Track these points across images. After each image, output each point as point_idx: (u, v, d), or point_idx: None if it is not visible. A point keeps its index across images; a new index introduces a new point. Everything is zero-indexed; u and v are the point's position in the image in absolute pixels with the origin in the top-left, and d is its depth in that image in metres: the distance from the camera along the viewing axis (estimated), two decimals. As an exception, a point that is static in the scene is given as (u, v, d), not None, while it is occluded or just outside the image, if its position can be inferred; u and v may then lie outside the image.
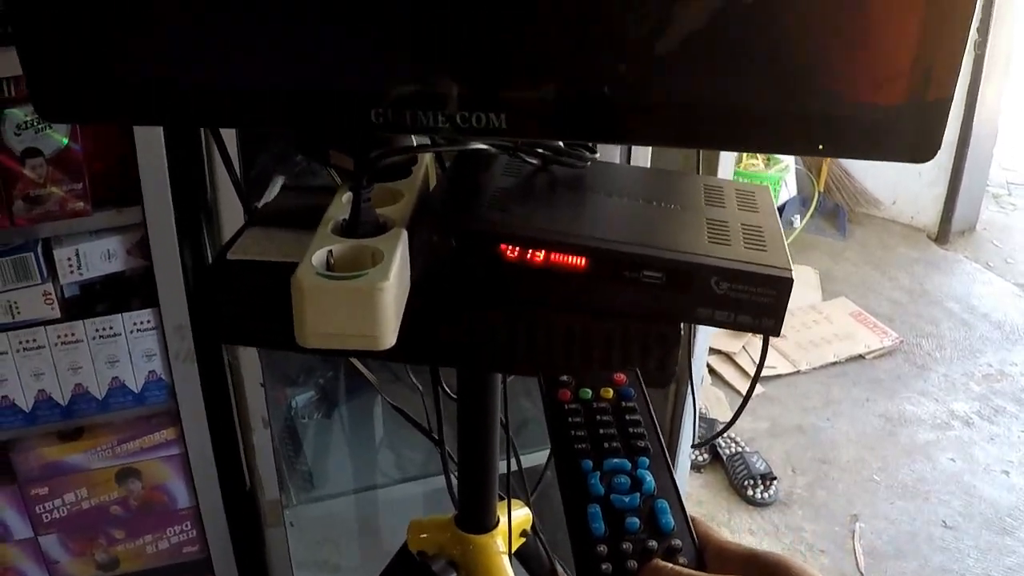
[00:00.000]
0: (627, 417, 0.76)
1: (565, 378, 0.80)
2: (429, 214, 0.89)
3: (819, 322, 3.93)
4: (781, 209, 4.60)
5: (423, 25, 0.78)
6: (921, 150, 0.77)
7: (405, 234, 0.84)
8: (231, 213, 1.72)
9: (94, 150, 1.68)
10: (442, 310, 0.88)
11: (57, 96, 0.86)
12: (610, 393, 0.78)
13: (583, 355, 0.87)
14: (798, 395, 3.53)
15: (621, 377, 0.80)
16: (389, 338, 0.80)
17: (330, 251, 0.82)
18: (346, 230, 0.85)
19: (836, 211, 4.93)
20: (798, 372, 3.64)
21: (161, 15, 0.81)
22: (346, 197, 0.90)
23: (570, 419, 0.75)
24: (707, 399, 3.39)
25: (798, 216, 4.68)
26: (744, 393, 3.40)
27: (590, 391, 0.78)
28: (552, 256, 0.84)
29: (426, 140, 0.91)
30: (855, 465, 3.21)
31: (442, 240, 0.85)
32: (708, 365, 3.50)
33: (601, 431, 0.74)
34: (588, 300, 0.86)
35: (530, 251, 0.84)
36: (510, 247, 0.84)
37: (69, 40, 0.82)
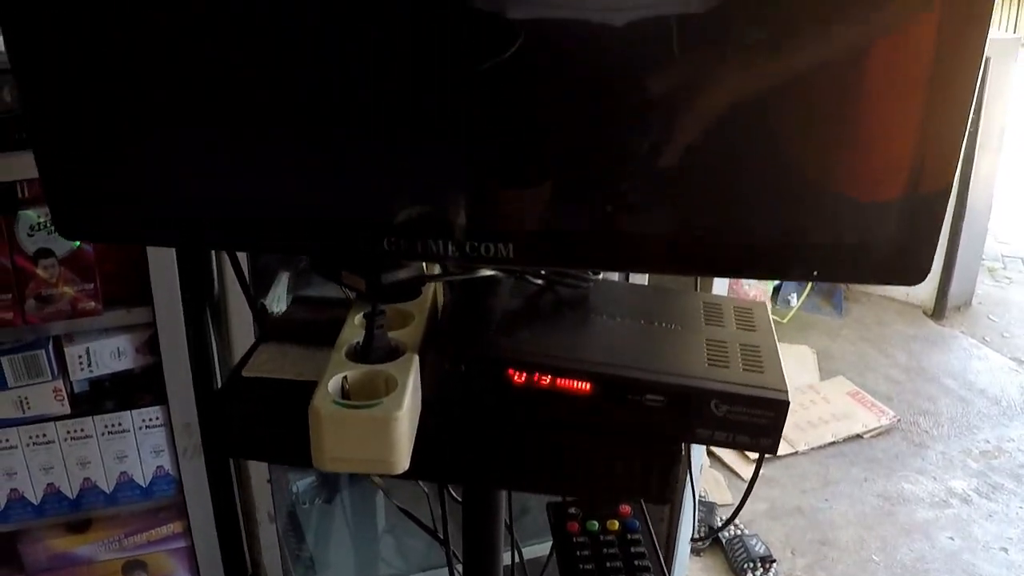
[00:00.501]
0: (632, 550, 0.79)
1: (573, 510, 0.82)
2: (439, 339, 0.93)
3: (817, 402, 3.95)
4: (778, 288, 4.63)
5: (435, 158, 0.82)
6: (911, 273, 0.80)
7: (417, 360, 0.88)
8: (239, 307, 1.75)
9: (105, 251, 1.72)
10: (452, 431, 0.91)
11: (75, 218, 0.90)
12: (616, 525, 0.81)
13: (587, 475, 0.90)
14: (796, 476, 3.54)
15: (626, 508, 0.83)
16: (403, 463, 0.83)
17: (345, 377, 0.85)
18: (360, 355, 0.88)
19: (832, 289, 4.96)
20: (796, 453, 3.65)
21: (179, 147, 0.85)
22: (358, 319, 0.94)
23: (578, 552, 0.78)
24: (706, 482, 3.39)
25: (795, 295, 4.71)
26: (743, 476, 3.42)
27: (597, 523, 0.81)
28: (558, 381, 0.87)
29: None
30: (854, 546, 3.21)
31: (452, 365, 0.89)
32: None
33: (608, 564, 0.77)
34: (592, 421, 0.89)
35: (536, 376, 0.87)
36: (517, 372, 0.88)
37: (88, 168, 0.86)
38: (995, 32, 4.21)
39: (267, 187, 0.86)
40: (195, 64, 0.81)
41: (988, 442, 3.80)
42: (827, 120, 0.76)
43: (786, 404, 0.87)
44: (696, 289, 1.14)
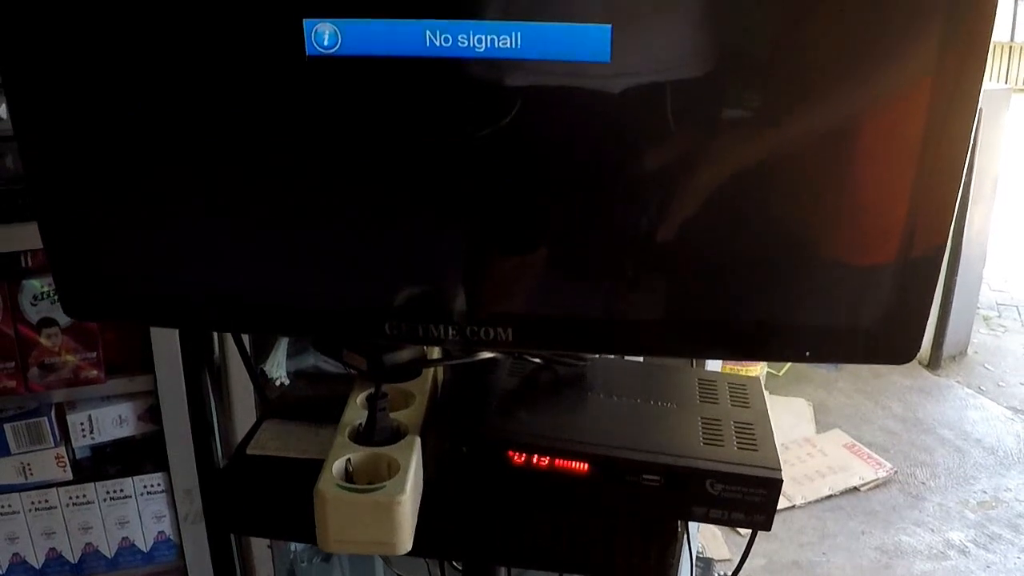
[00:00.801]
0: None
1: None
2: (440, 421, 0.95)
3: (813, 455, 3.95)
4: (773, 339, 4.63)
5: (433, 236, 0.84)
6: (899, 352, 0.82)
7: (419, 442, 0.90)
8: (239, 374, 1.77)
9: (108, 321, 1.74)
10: (453, 511, 0.93)
11: (81, 299, 0.92)
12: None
13: (585, 553, 0.92)
14: (794, 530, 3.53)
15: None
16: (406, 544, 0.85)
17: (349, 460, 0.87)
18: (363, 437, 0.90)
19: (827, 340, 4.96)
20: (793, 507, 3.64)
21: (183, 233, 0.87)
22: (360, 400, 0.96)
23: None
24: (703, 537, 3.39)
25: (790, 346, 4.71)
26: (740, 531, 3.42)
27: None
28: (557, 461, 0.90)
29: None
30: (852, 600, 3.21)
31: (453, 447, 0.91)
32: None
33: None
34: (591, 501, 0.91)
35: (536, 457, 0.89)
36: (517, 454, 0.90)
37: (94, 251, 0.89)
38: (987, 83, 4.24)
39: (268, 275, 0.88)
40: (200, 155, 0.84)
41: (985, 492, 3.80)
42: (821, 188, 0.78)
43: (779, 483, 0.89)
44: (692, 365, 1.16)
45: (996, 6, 0.70)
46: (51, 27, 0.79)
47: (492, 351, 0.97)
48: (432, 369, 1.02)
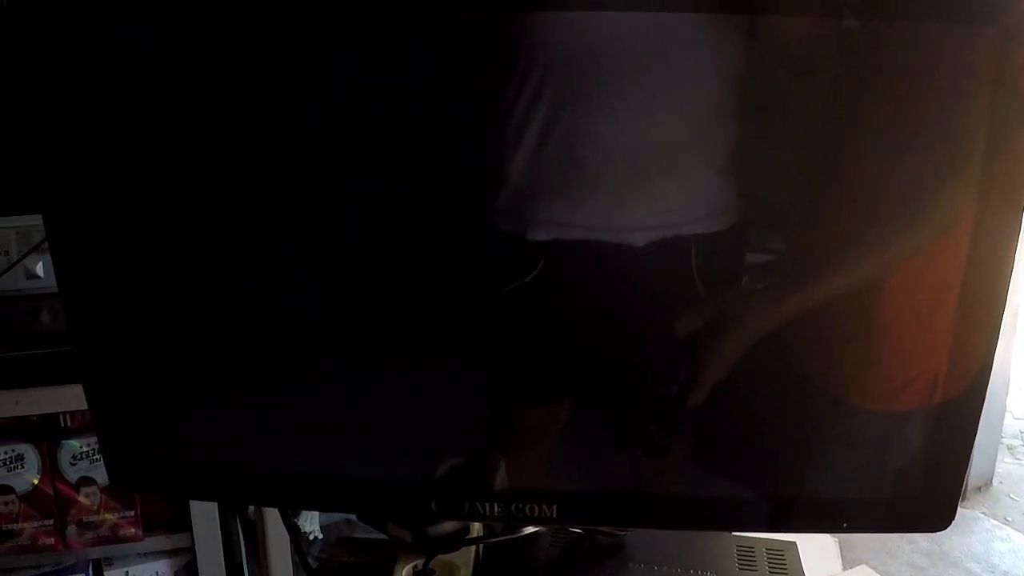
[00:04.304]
0: None
1: None
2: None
3: (841, 592, 3.90)
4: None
5: (480, 420, 0.86)
6: (936, 520, 0.84)
7: (466, 620, 0.91)
8: (276, 529, 1.78)
9: (146, 478, 1.76)
10: None
11: (127, 473, 0.94)
12: None
13: None
14: (827, 672, 3.48)
15: None
16: None
17: (401, 635, 0.89)
18: (411, 614, 0.92)
19: (851, 472, 4.92)
20: (825, 647, 3.59)
21: (225, 411, 0.90)
22: (406, 572, 0.97)
23: None
24: None
25: (814, 480, 4.67)
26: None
27: None
28: (603, 637, 0.91)
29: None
30: None
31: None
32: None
33: None
34: (635, 674, 0.92)
35: (582, 632, 0.91)
36: (564, 629, 0.91)
37: (140, 432, 0.92)
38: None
39: (313, 450, 0.90)
40: (244, 339, 0.87)
41: (1015, 627, 3.75)
42: (857, 341, 0.80)
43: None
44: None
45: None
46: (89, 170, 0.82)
47: (536, 527, 0.98)
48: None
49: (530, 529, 0.98)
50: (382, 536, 1.03)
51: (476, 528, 1.02)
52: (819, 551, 4.19)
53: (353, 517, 1.88)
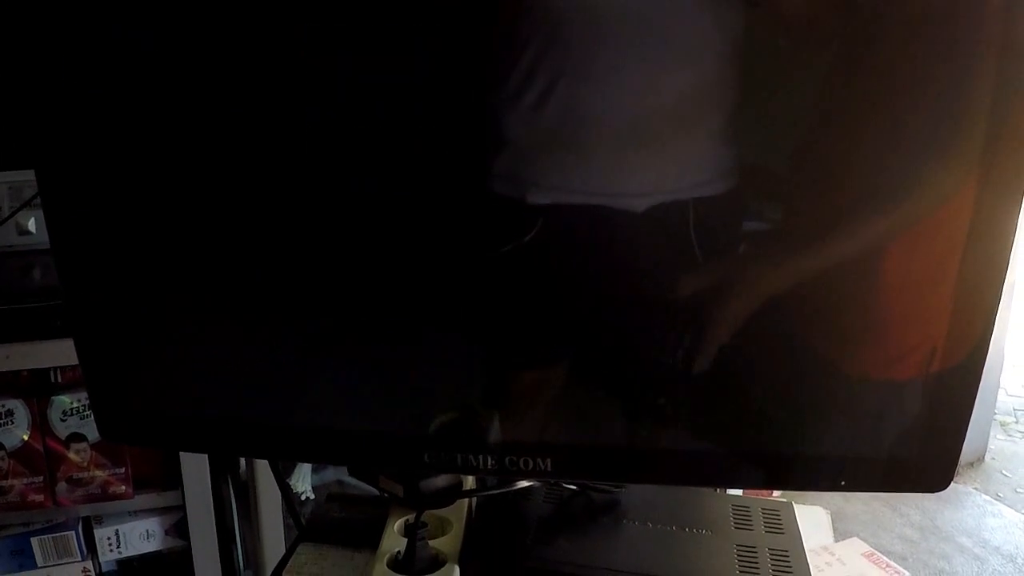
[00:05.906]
0: None
1: None
2: (479, 550, 0.95)
3: (832, 564, 3.90)
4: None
5: (475, 377, 0.85)
6: (934, 481, 0.83)
7: (457, 570, 0.90)
8: (267, 487, 1.77)
9: (137, 435, 1.75)
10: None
11: (117, 424, 0.94)
12: None
13: None
14: (816, 642, 3.49)
15: None
16: (447, 677, 0.85)
17: (389, 589, 0.88)
18: (402, 565, 0.91)
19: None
20: (814, 617, 3.60)
21: (217, 361, 0.89)
22: (398, 526, 0.97)
23: None
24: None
25: (807, 452, 4.68)
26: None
27: None
28: (595, 591, 0.90)
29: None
30: None
31: (493, 576, 0.92)
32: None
33: None
34: (628, 632, 0.91)
35: (574, 586, 0.90)
36: (556, 583, 0.90)
37: (130, 380, 0.91)
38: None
39: (308, 402, 0.90)
40: (238, 284, 0.86)
41: (1005, 601, 3.76)
42: (856, 305, 0.79)
43: (816, 614, 0.89)
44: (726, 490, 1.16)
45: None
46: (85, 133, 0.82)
47: (531, 481, 0.98)
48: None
49: (524, 483, 0.98)
50: (374, 492, 1.03)
51: (469, 483, 1.01)
52: (812, 524, 4.20)
53: (345, 478, 1.88)
